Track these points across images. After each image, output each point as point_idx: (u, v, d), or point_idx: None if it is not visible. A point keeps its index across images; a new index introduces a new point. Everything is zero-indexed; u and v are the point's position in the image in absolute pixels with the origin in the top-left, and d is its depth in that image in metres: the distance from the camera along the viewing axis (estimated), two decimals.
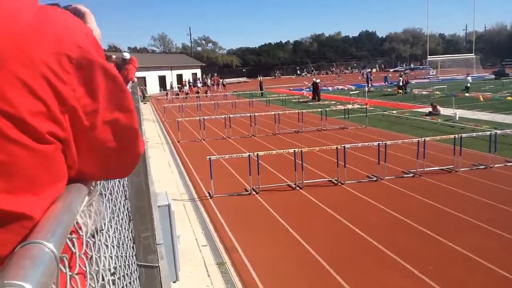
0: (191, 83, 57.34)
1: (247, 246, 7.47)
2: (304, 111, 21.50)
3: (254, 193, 10.27)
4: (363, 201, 9.45)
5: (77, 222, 0.77)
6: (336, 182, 10.78)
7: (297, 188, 10.50)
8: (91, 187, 0.91)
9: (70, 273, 0.65)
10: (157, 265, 1.95)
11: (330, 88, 42.50)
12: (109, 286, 0.95)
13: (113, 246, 1.17)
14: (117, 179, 1.57)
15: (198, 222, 8.77)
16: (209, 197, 10.25)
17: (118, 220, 1.43)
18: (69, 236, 0.68)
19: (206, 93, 45.88)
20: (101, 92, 0.80)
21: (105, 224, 1.00)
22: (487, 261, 6.43)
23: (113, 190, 1.43)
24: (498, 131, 12.38)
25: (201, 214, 9.20)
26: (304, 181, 10.60)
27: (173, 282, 4.86)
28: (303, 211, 9.05)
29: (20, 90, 0.66)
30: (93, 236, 0.91)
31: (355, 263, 6.67)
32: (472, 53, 62.84)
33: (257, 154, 10.49)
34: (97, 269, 0.84)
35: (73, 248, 0.70)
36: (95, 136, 0.82)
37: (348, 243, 7.40)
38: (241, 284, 6.22)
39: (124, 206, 1.65)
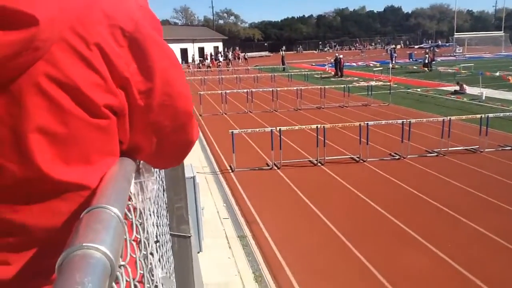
0: (212, 57, 57.16)
1: (267, 220, 7.53)
2: (326, 86, 21.30)
3: (276, 168, 10.30)
4: (385, 179, 9.40)
5: (130, 191, 0.78)
6: (358, 159, 10.73)
7: (319, 164, 10.49)
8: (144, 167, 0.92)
9: (129, 239, 0.66)
10: (189, 235, 1.98)
11: (354, 64, 41.90)
12: (155, 252, 0.97)
13: (154, 214, 1.19)
14: None
15: (219, 195, 8.86)
16: (230, 171, 10.31)
17: (156, 190, 1.45)
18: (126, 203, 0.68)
19: (228, 66, 45.73)
20: (156, 70, 0.77)
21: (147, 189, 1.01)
22: (508, 243, 6.37)
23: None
24: None
25: (223, 188, 9.28)
26: (326, 158, 10.57)
27: (197, 253, 4.95)
28: (324, 187, 9.05)
29: (75, 60, 0.66)
30: (141, 203, 0.92)
31: (374, 240, 6.68)
32: (501, 30, 61.02)
33: (280, 129, 10.47)
34: (147, 235, 0.86)
35: (129, 214, 0.71)
36: (148, 117, 0.80)
37: (368, 220, 7.40)
38: (262, 257, 6.30)
39: (159, 176, 1.67)
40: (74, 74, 0.65)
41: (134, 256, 0.70)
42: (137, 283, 0.68)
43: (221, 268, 5.98)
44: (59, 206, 0.67)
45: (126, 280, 0.59)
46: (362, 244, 6.51)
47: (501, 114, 12.66)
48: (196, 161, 10.71)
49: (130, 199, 0.77)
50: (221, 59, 55.90)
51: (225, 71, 39.35)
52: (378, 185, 9.07)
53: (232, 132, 10.18)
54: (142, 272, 0.75)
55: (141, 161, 0.94)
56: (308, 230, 7.13)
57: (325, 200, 8.26)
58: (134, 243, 0.71)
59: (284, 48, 47.59)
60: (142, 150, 0.86)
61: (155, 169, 1.60)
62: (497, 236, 6.59)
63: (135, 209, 0.78)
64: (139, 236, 0.77)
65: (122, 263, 0.57)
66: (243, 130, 11.64)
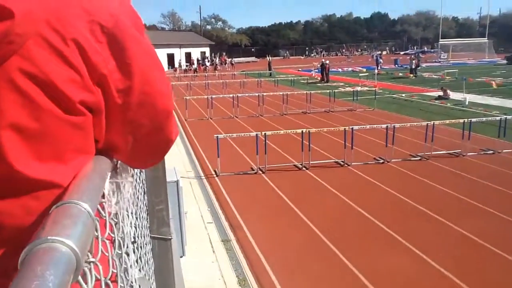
0: (199, 62, 57.05)
1: (252, 224, 7.52)
2: (312, 92, 21.38)
3: (261, 172, 10.30)
4: (370, 183, 9.46)
5: (105, 189, 0.77)
6: (342, 163, 10.78)
7: (304, 168, 10.52)
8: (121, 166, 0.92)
9: (101, 237, 0.66)
10: (170, 237, 1.97)
11: (339, 69, 42.14)
12: (132, 253, 0.96)
13: (133, 215, 1.18)
14: None
15: (203, 199, 8.83)
16: (215, 175, 10.29)
17: (135, 191, 1.44)
18: (99, 200, 0.68)
19: (215, 70, 45.66)
20: (135, 68, 0.75)
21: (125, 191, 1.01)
22: (493, 245, 6.44)
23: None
24: (508, 117, 12.26)
25: (207, 192, 9.25)
26: (311, 162, 10.60)
27: (180, 257, 4.93)
28: (309, 192, 9.08)
29: (51, 56, 0.64)
30: (116, 204, 0.91)
31: (360, 244, 6.71)
32: (485, 37, 61.97)
33: (265, 133, 10.49)
34: (122, 235, 0.85)
35: (102, 212, 0.71)
36: (126, 116, 0.78)
37: (353, 224, 7.43)
38: (246, 261, 6.28)
39: (139, 178, 1.66)
40: (49, 70, 0.64)
41: (107, 254, 0.70)
42: (109, 282, 0.67)
43: (205, 272, 5.96)
44: (30, 204, 0.66)
45: (96, 277, 0.59)
46: (346, 247, 6.53)
47: (484, 119, 12.85)
48: (180, 166, 10.66)
49: (104, 197, 0.76)
50: (207, 64, 55.86)
51: (212, 76, 39.30)
52: (362, 189, 9.12)
53: (217, 136, 10.16)
54: (115, 271, 0.75)
55: (119, 161, 0.94)
56: (293, 234, 7.14)
57: (310, 204, 8.28)
58: (108, 242, 0.71)
59: (270, 56, 47.83)
60: (118, 149, 0.84)
61: (136, 170, 1.60)
62: (480, 238, 6.66)
63: (109, 207, 0.77)
64: (113, 235, 0.76)
65: (92, 259, 0.57)
66: (228, 134, 11.63)
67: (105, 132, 0.77)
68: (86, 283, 0.51)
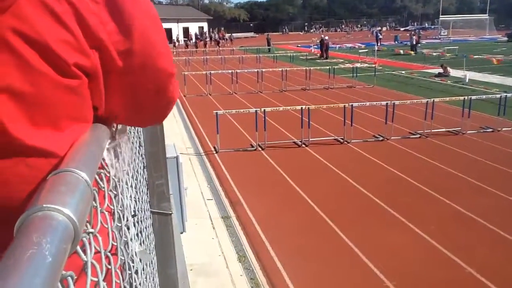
0: (198, 37, 56.49)
1: (252, 201, 7.54)
2: (311, 68, 21.23)
3: (260, 149, 10.29)
4: (369, 160, 9.46)
5: (103, 159, 0.75)
6: (342, 140, 10.77)
7: (303, 145, 10.51)
8: (118, 126, 0.89)
9: (100, 208, 0.63)
10: (170, 212, 1.96)
11: (336, 46, 41.78)
12: (132, 226, 0.94)
13: (132, 189, 1.16)
14: None
15: (203, 176, 8.84)
16: (214, 152, 10.28)
17: (135, 165, 1.42)
18: (97, 170, 0.65)
19: (218, 46, 45.24)
20: (135, 29, 0.73)
21: (124, 162, 0.98)
22: (490, 223, 6.48)
23: (130, 133, 1.41)
24: (508, 94, 12.21)
25: (207, 168, 9.26)
26: (310, 139, 10.59)
27: (180, 233, 4.94)
28: (308, 169, 9.08)
29: (44, 15, 0.61)
30: (115, 175, 0.89)
31: (358, 221, 6.75)
32: (486, 13, 61.36)
33: (264, 110, 10.44)
34: (122, 208, 0.83)
35: (101, 183, 0.68)
36: (128, 79, 0.76)
37: (352, 201, 7.46)
38: (246, 237, 6.32)
39: (139, 152, 1.63)
40: (43, 30, 0.61)
41: (106, 226, 0.67)
42: (109, 254, 0.65)
43: (205, 248, 5.99)
44: (25, 173, 0.63)
45: (96, 249, 0.57)
46: (345, 224, 6.56)
47: (484, 96, 12.79)
48: (179, 142, 10.65)
49: (103, 167, 0.74)
50: (208, 39, 55.33)
51: (211, 52, 38.98)
52: (362, 166, 9.13)
53: (217, 113, 10.11)
54: (115, 244, 0.73)
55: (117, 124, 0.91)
56: (292, 211, 7.17)
57: (309, 181, 8.29)
58: (107, 213, 0.68)
59: (268, 34, 47.74)
60: (119, 114, 0.82)
61: (136, 145, 1.57)
62: (478, 216, 6.69)
63: (108, 178, 0.75)
64: (112, 207, 0.74)
65: (91, 230, 0.54)
66: (227, 111, 11.58)
67: (104, 98, 0.74)
68: (85, 253, 0.49)
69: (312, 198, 7.49)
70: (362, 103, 12.35)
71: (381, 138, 10.95)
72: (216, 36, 60.11)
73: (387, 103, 10.99)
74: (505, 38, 47.31)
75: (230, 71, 20.25)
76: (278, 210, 7.22)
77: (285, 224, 6.71)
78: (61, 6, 0.63)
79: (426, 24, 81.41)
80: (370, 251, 5.81)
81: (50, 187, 0.48)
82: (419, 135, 11.16)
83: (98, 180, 0.67)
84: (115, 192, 0.82)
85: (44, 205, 0.42)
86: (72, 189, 0.48)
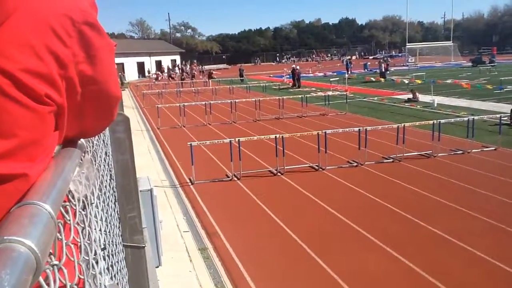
0: (170, 70, 56.63)
1: (229, 231, 7.48)
2: (284, 97, 21.50)
3: (236, 179, 10.27)
4: (344, 186, 9.53)
5: (69, 191, 0.75)
6: (317, 167, 10.84)
7: (279, 173, 10.54)
8: (82, 156, 0.89)
9: (66, 241, 0.63)
10: (144, 245, 1.93)
11: (311, 74, 42.44)
12: (101, 260, 0.94)
13: (102, 222, 1.15)
14: (102, 156, 1.54)
15: (179, 208, 8.74)
16: (190, 184, 10.21)
17: (105, 198, 1.41)
18: (62, 203, 0.66)
19: (193, 78, 45.28)
20: (98, 58, 0.78)
21: (93, 194, 0.98)
22: (466, 244, 6.57)
23: (100, 167, 1.41)
24: (476, 117, 12.57)
25: (182, 200, 9.17)
26: (285, 167, 10.63)
27: (156, 267, 4.84)
28: (285, 197, 9.09)
29: (21, 47, 0.64)
30: (84, 209, 0.89)
31: (336, 247, 6.75)
32: (450, 40, 63.57)
33: (239, 140, 10.47)
34: (89, 241, 0.83)
35: (67, 216, 0.68)
36: (83, 104, 0.80)
37: (330, 228, 7.47)
38: (224, 269, 6.24)
39: (110, 185, 1.62)
40: (19, 62, 0.64)
41: (72, 259, 0.67)
42: (75, 287, 0.65)
43: (182, 281, 5.88)
44: None
45: (61, 281, 0.56)
46: (323, 250, 6.55)
47: (452, 120, 13.13)
48: (154, 175, 10.55)
49: (69, 200, 0.74)
50: (178, 71, 55.44)
51: (184, 84, 39.09)
52: (337, 192, 9.19)
53: (191, 144, 10.09)
54: (82, 277, 0.72)
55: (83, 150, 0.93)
56: (270, 239, 7.13)
57: (286, 209, 8.29)
58: (73, 246, 0.68)
59: (241, 65, 48.54)
60: (74, 134, 0.87)
61: (106, 178, 1.56)
62: (454, 238, 6.78)
63: (74, 212, 0.75)
64: (79, 240, 0.74)
65: (55, 262, 0.54)
66: (201, 142, 11.56)
67: (66, 124, 0.78)
68: (49, 286, 0.49)
69: (289, 226, 7.47)
70: (335, 130, 12.51)
71: (355, 164, 11.07)
72: (188, 68, 60.28)
73: (359, 129, 11.16)
74: (470, 64, 48.95)
75: (203, 102, 20.31)
76: (256, 239, 7.17)
77: (263, 253, 6.66)
78: (38, 41, 0.67)
79: (394, 52, 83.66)
80: (348, 275, 5.80)
81: (13, 218, 0.48)
82: (392, 160, 11.34)
83: (64, 213, 0.67)
84: (82, 226, 0.81)
85: (5, 237, 0.42)
86: (35, 221, 0.48)
